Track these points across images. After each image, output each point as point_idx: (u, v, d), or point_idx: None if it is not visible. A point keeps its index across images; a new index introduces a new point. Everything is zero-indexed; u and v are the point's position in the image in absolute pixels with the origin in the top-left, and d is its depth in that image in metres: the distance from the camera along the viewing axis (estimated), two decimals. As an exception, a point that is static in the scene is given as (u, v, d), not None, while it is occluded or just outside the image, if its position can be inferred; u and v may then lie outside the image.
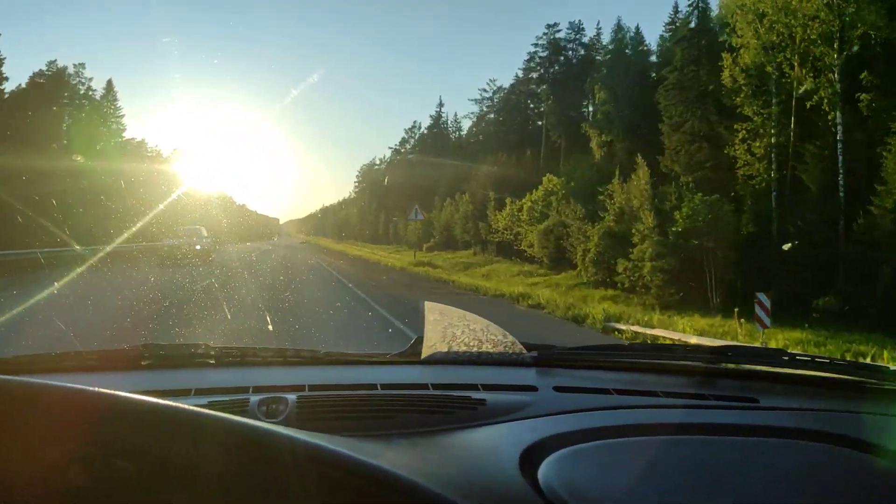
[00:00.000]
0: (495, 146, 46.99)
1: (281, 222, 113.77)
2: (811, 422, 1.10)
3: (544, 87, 44.55)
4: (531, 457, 0.84)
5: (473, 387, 1.27)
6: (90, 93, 55.33)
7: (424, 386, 1.29)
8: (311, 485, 0.57)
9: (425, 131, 70.02)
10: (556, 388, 1.30)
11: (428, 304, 1.71)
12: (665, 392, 1.29)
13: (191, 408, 0.59)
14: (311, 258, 29.94)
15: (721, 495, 0.79)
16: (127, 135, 56.10)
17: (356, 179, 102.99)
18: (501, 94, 53.06)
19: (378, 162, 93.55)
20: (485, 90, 61.94)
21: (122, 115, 57.28)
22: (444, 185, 57.46)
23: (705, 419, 1.11)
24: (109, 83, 56.78)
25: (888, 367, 1.50)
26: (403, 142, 74.32)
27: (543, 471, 0.80)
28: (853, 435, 0.98)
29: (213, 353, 1.48)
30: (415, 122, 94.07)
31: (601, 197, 24.51)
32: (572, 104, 40.87)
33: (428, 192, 64.95)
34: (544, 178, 32.32)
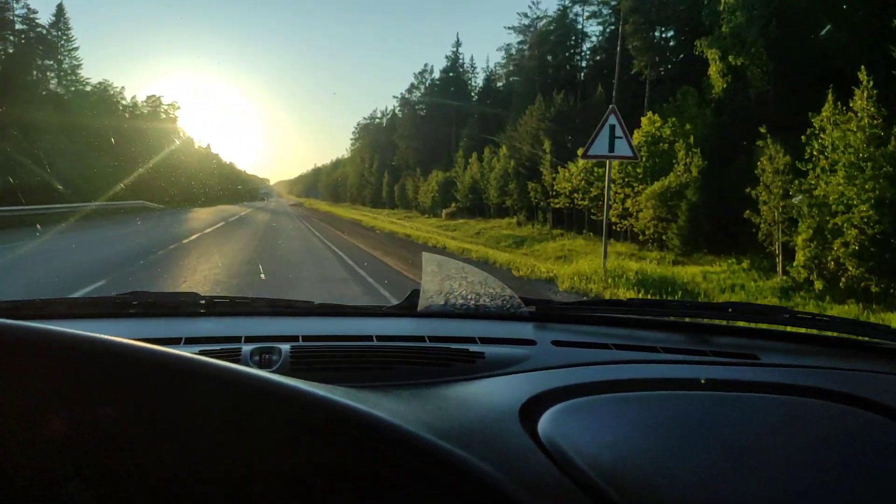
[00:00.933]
0: (539, 88, 36.78)
1: (271, 183, 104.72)
2: (811, 379, 1.09)
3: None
4: (530, 410, 0.84)
5: (471, 339, 1.25)
6: (31, 15, 44.80)
7: (421, 338, 1.26)
8: (308, 434, 0.57)
9: (439, 75, 58.56)
10: (555, 343, 1.28)
11: (426, 255, 1.65)
12: (664, 348, 1.27)
13: (180, 353, 0.57)
14: (318, 237, 18.73)
15: (720, 450, 0.78)
16: (86, 76, 46.43)
17: (353, 136, 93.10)
18: (547, 21, 42.24)
19: (379, 115, 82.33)
20: (525, 15, 50.86)
21: (76, 48, 47.01)
22: (467, 137, 47.36)
23: (705, 375, 1.08)
24: (60, 8, 46.15)
25: (888, 326, 1.43)
26: (412, 88, 63.04)
27: (543, 423, 0.80)
28: (852, 392, 0.97)
29: (203, 301, 1.42)
30: (426, 65, 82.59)
31: (770, 141, 14.86)
32: (660, 22, 30.41)
33: (442, 147, 54.96)
34: (644, 120, 22.57)
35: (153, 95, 52.32)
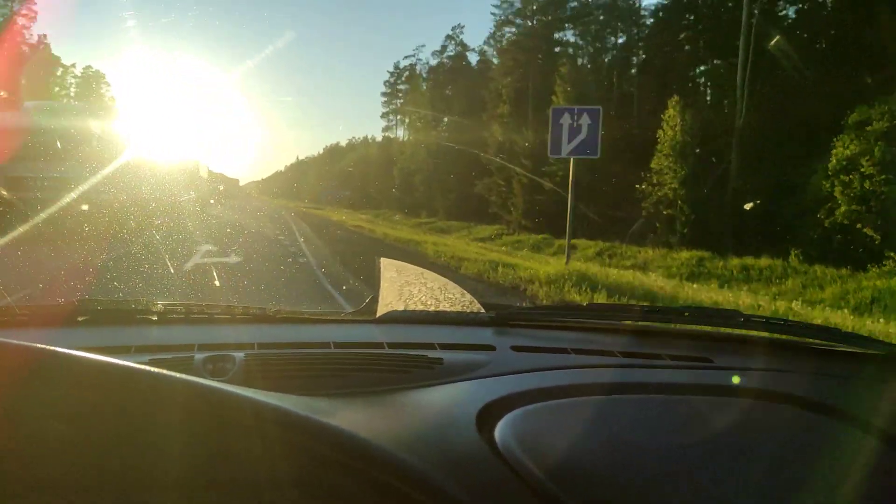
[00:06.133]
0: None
1: (241, 184, 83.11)
2: (761, 381, 1.10)
3: None
4: (488, 416, 0.84)
5: (430, 346, 1.24)
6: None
7: (380, 345, 1.24)
8: (260, 443, 0.56)
9: None
10: (514, 348, 1.28)
11: (384, 261, 1.61)
12: (622, 352, 1.28)
13: (125, 363, 0.56)
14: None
15: (674, 453, 0.79)
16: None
17: (386, 89, 60.38)
18: None
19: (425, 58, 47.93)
20: None
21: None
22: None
23: (660, 378, 1.12)
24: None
25: (839, 329, 1.47)
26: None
27: (500, 429, 0.80)
28: (800, 394, 0.99)
29: (155, 308, 1.40)
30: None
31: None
32: None
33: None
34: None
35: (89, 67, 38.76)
